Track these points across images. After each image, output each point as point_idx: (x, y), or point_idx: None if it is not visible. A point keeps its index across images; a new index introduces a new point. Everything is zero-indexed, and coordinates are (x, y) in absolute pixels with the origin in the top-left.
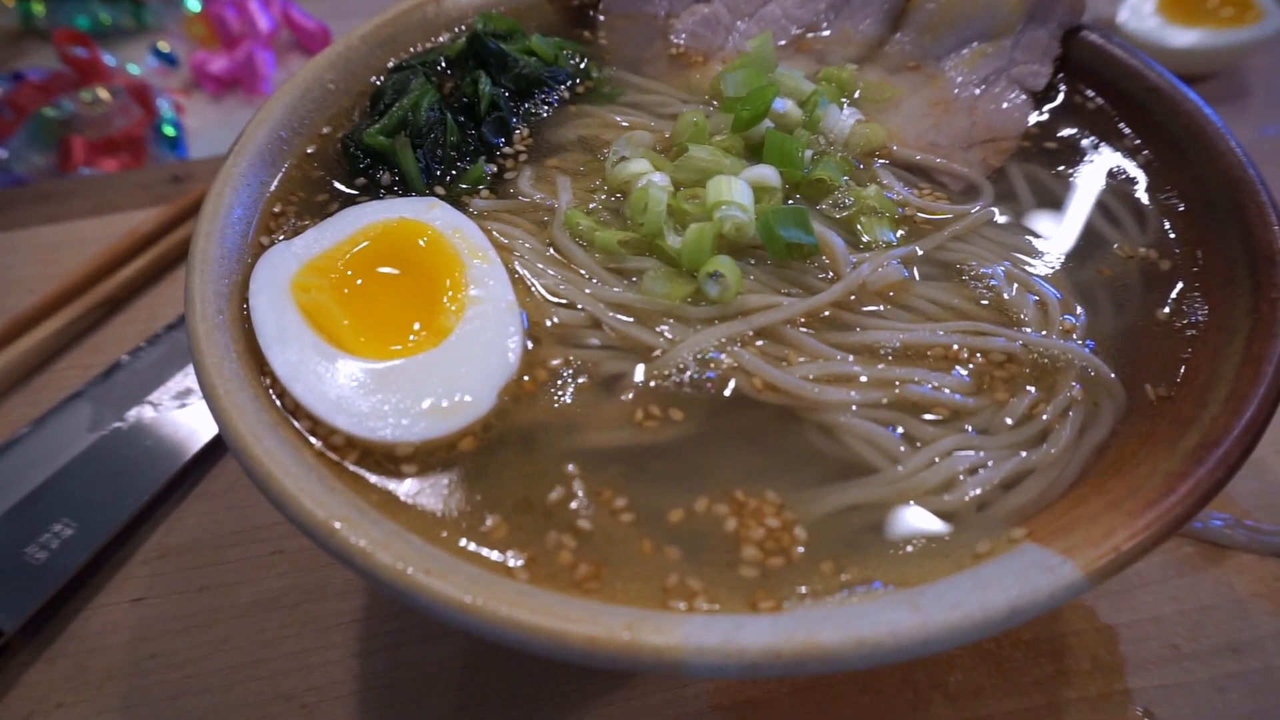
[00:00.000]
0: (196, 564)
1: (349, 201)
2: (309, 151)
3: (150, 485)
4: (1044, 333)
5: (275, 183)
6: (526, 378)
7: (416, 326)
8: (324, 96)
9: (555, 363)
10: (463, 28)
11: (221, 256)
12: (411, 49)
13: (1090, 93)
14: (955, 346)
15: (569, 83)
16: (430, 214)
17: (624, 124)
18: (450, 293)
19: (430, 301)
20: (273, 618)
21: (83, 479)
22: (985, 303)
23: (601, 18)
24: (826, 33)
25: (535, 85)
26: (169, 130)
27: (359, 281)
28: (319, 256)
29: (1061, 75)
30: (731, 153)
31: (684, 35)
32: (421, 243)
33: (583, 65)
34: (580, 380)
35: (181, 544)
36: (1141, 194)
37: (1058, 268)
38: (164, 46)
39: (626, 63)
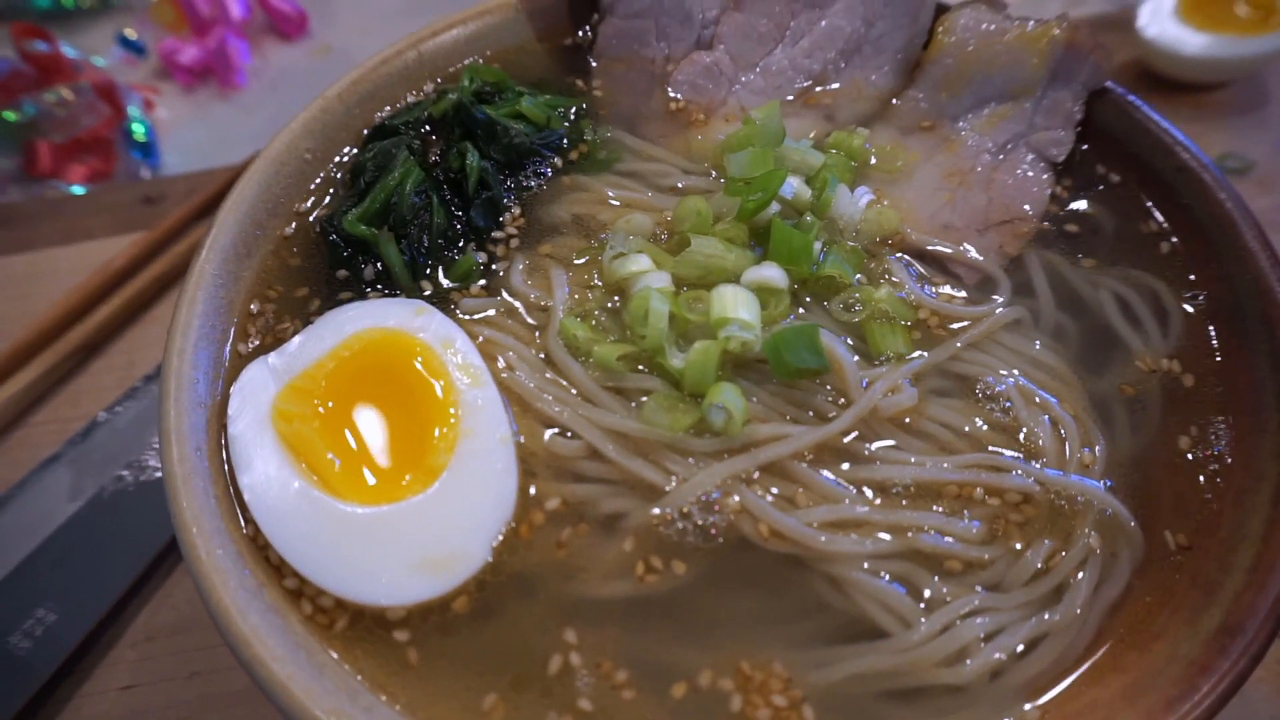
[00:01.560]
0: (186, 646)
1: (330, 297)
2: (286, 233)
3: (136, 560)
4: (1061, 471)
5: (251, 276)
6: (522, 524)
7: (406, 466)
8: (300, 169)
9: (552, 504)
10: (453, 69)
11: (196, 378)
12: (393, 104)
13: (1114, 166)
14: (970, 484)
15: (562, 149)
16: (418, 322)
17: (618, 203)
18: (440, 425)
19: (419, 433)
20: (267, 707)
21: (65, 556)
22: (1001, 427)
23: (595, 63)
24: (835, 85)
25: (526, 156)
26: (139, 134)
27: (344, 407)
28: (300, 375)
29: (1084, 145)
30: (736, 243)
31: (684, 87)
32: (412, 362)
33: (576, 122)
34: (578, 524)
35: (171, 623)
36: (1165, 291)
37: (1075, 382)
38: (130, 33)
39: (623, 118)
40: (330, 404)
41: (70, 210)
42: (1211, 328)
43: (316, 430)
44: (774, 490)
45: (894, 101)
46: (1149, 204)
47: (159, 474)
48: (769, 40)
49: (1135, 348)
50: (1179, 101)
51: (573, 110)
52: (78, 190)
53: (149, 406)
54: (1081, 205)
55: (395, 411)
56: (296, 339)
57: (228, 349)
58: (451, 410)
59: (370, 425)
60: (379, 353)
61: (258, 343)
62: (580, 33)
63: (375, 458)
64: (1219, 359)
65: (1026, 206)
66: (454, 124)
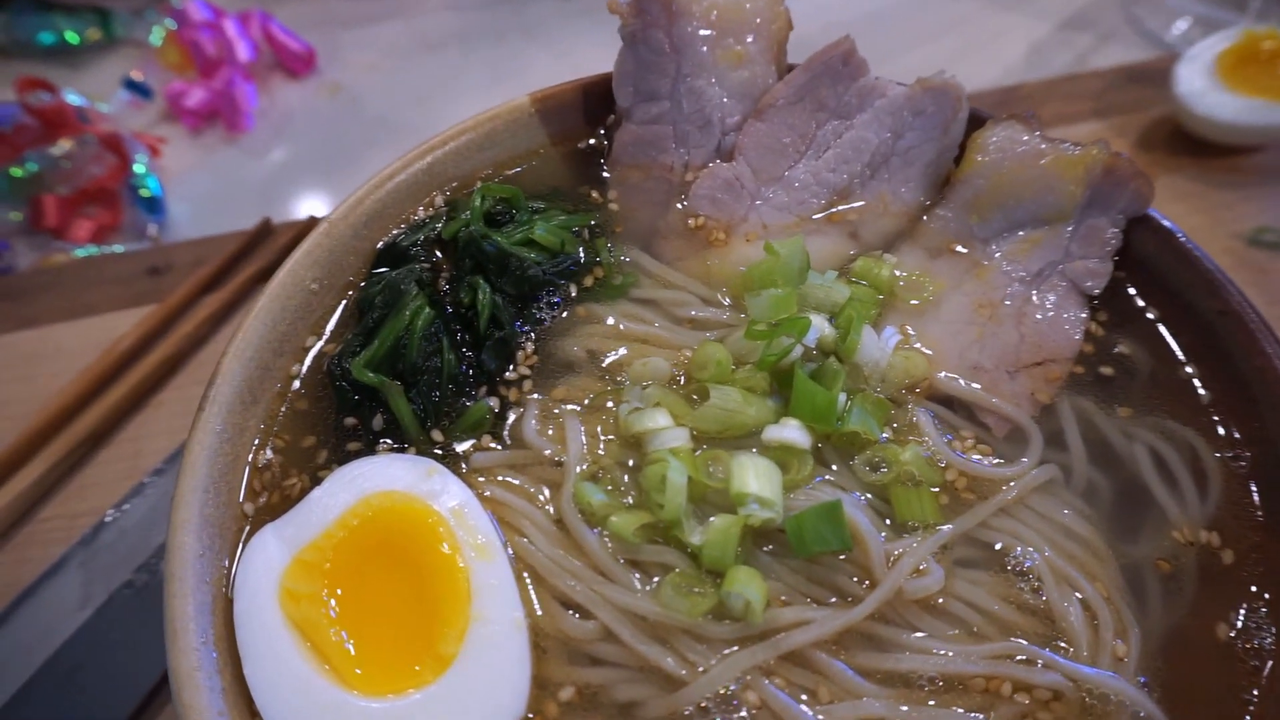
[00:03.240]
0: None
1: (338, 448)
2: (294, 373)
3: (145, 680)
4: (1093, 665)
5: (256, 426)
6: (536, 717)
7: (416, 653)
8: (307, 302)
9: (566, 694)
10: (464, 178)
11: (200, 551)
12: (402, 220)
13: (1152, 300)
14: (998, 678)
15: (575, 274)
16: (429, 486)
17: (635, 335)
18: (452, 608)
19: (430, 616)
20: None
21: (73, 672)
22: (1030, 610)
23: (610, 172)
24: (860, 202)
25: (539, 288)
26: (146, 191)
27: (353, 585)
28: (308, 548)
29: (1121, 272)
30: (756, 392)
31: (704, 202)
32: (423, 535)
33: (592, 241)
34: (592, 713)
35: None
36: (1204, 448)
37: (1108, 556)
38: (136, 76)
39: (639, 234)
40: (339, 581)
41: (74, 281)
42: (1255, 494)
43: (324, 614)
44: (794, 680)
45: (923, 219)
46: (1187, 348)
47: None
48: (792, 152)
49: (1172, 515)
50: (1212, 165)
51: (587, 229)
52: (82, 252)
53: (157, 504)
54: (1116, 344)
55: (405, 590)
56: (304, 504)
57: (233, 512)
58: (462, 589)
59: (379, 606)
60: (389, 523)
61: (265, 500)
62: (596, 135)
63: (384, 643)
64: (1262, 534)
65: (1060, 346)
66: (465, 254)
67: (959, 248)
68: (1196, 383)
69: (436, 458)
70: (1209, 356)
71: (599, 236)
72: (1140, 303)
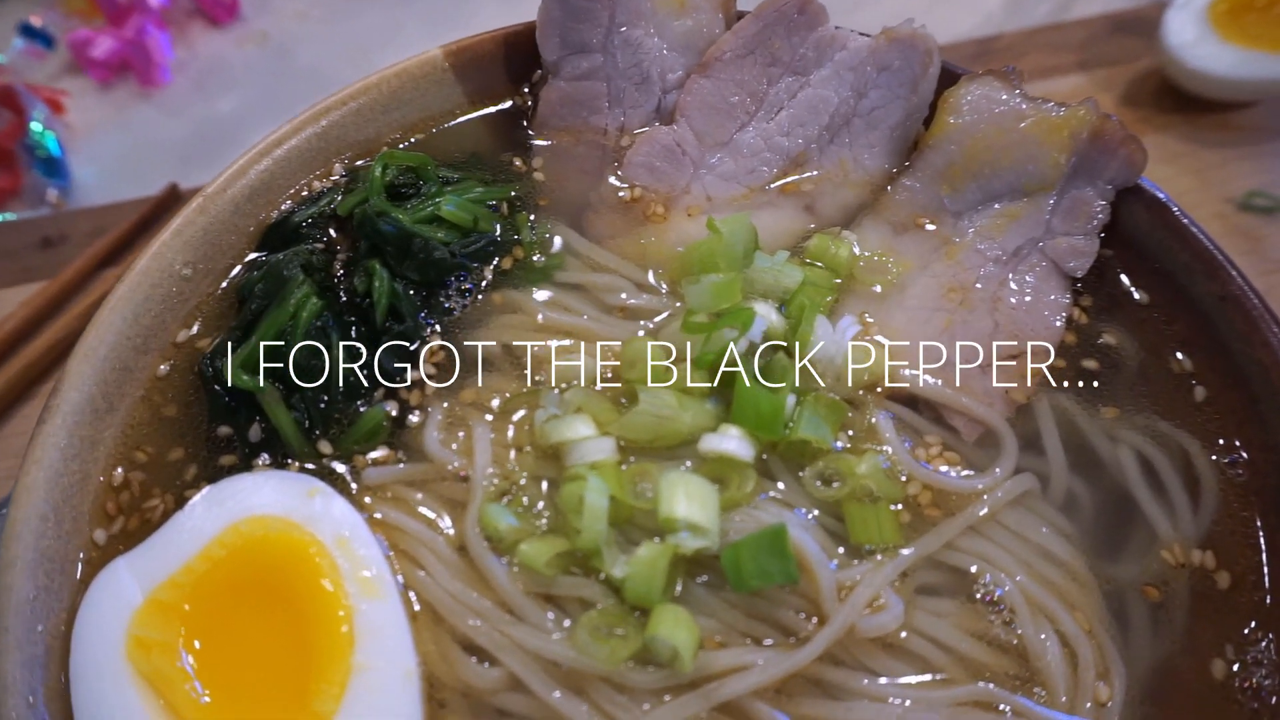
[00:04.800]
0: None
1: (210, 462)
2: (161, 374)
3: None
4: (1072, 712)
5: (113, 437)
6: None
7: (288, 711)
8: (178, 290)
9: None
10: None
11: (33, 593)
12: (294, 195)
13: (1142, 282)
14: None
15: (491, 256)
16: (310, 509)
17: (559, 327)
18: (330, 656)
19: (305, 665)
20: None
21: None
22: (1000, 647)
23: (536, 135)
24: (817, 171)
25: (447, 273)
26: (44, 150)
27: (214, 629)
28: (164, 585)
29: (1108, 251)
30: (693, 395)
31: (640, 171)
32: (300, 568)
33: (512, 217)
34: None
35: None
36: (1198, 453)
37: (1089, 582)
38: (35, 22)
39: (567, 209)
40: (199, 626)
41: None
42: (1255, 507)
43: (179, 667)
44: None
45: (887, 190)
46: (1181, 338)
47: None
48: (740, 114)
49: (1161, 531)
50: (1202, 122)
51: (506, 203)
52: None
53: None
54: (1101, 333)
55: (278, 636)
56: (163, 531)
57: (79, 542)
58: (344, 633)
59: (246, 656)
60: (261, 554)
61: (120, 525)
62: (521, 94)
63: (250, 701)
64: (1263, 554)
65: (1039, 336)
66: (361, 235)
67: (927, 223)
68: (1191, 378)
69: (323, 473)
70: (1206, 348)
71: (520, 211)
72: (1129, 286)
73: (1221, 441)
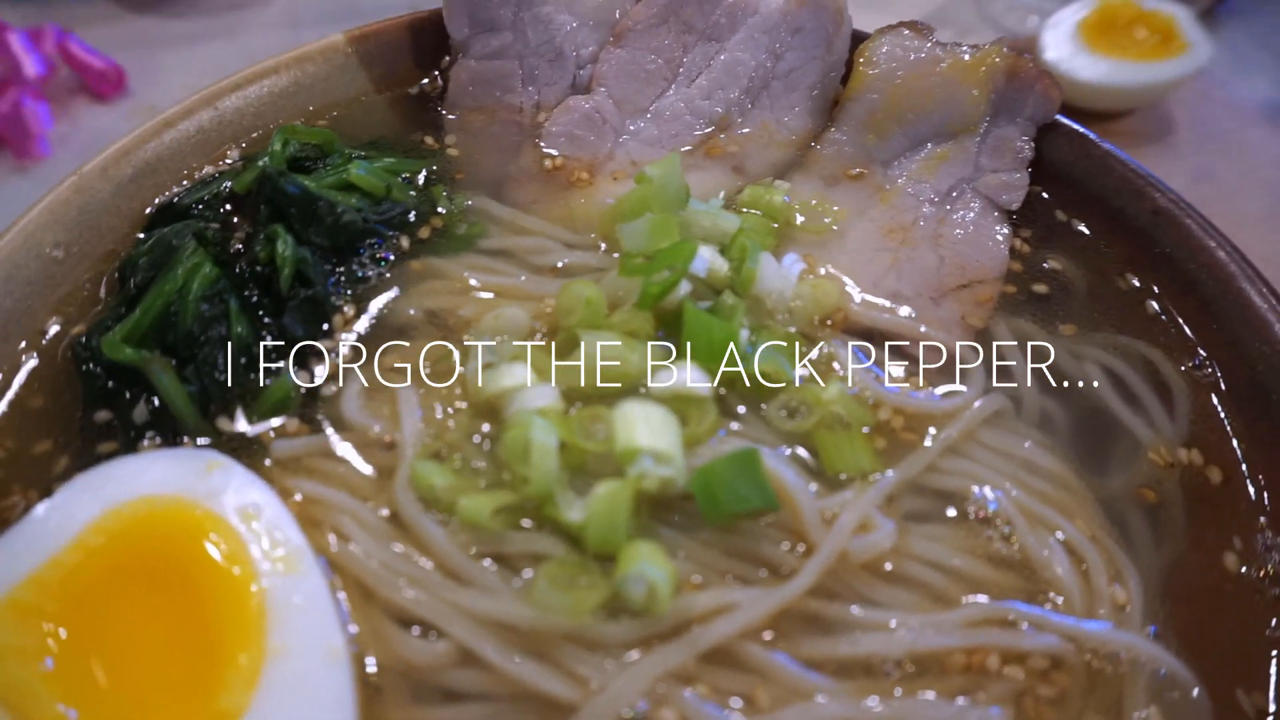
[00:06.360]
0: None
1: (85, 451)
2: (23, 363)
3: None
4: (1091, 618)
5: None
6: None
7: (186, 713)
8: (47, 272)
9: None
10: (267, 130)
11: None
12: (185, 180)
13: (1077, 213)
14: (980, 650)
15: (408, 225)
16: (209, 484)
17: (486, 293)
18: (239, 643)
19: (207, 659)
20: None
21: None
22: (1003, 562)
23: (450, 116)
24: (743, 131)
25: (360, 238)
26: None
27: (91, 629)
28: (24, 583)
29: (1041, 189)
30: (639, 337)
31: (560, 140)
32: (198, 549)
33: (427, 190)
34: None
35: None
36: (1162, 360)
37: (1081, 490)
38: None
39: (486, 183)
40: (69, 625)
41: None
42: (1228, 401)
43: (43, 676)
44: (723, 686)
45: (814, 146)
46: (1124, 257)
47: None
48: (659, 80)
49: (1142, 436)
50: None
51: (421, 175)
52: None
53: None
54: (1046, 259)
55: (170, 628)
56: (20, 526)
57: None
58: (255, 614)
59: (132, 652)
60: (147, 539)
61: None
62: (429, 78)
63: (138, 704)
64: (1245, 444)
65: (986, 266)
66: (260, 201)
67: (858, 171)
68: (1141, 292)
69: (225, 450)
70: (1149, 264)
71: (436, 184)
72: (1066, 218)
73: (1183, 345)
